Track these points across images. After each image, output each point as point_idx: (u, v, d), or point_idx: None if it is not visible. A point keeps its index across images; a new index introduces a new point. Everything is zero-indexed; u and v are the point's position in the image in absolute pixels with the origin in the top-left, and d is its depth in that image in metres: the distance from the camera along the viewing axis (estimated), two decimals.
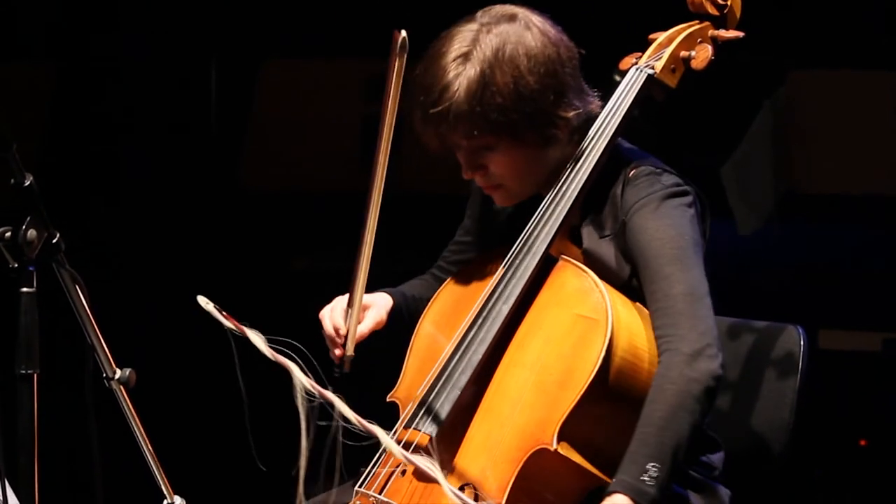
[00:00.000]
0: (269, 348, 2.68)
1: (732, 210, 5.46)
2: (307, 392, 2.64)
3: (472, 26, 2.88)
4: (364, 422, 2.64)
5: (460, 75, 2.83)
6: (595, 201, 2.94)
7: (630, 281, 2.89)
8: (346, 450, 2.70)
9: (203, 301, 2.75)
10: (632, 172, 2.93)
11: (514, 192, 2.98)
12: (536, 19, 2.91)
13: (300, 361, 2.67)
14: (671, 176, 2.92)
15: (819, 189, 5.49)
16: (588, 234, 2.93)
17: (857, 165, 5.44)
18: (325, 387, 2.67)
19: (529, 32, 2.87)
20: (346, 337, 2.98)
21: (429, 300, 3.12)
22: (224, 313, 2.73)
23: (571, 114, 2.90)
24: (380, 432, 2.62)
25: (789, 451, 3.18)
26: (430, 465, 2.61)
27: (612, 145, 2.94)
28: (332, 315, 3.03)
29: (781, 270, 5.44)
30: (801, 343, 3.22)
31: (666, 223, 2.84)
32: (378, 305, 3.08)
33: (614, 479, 2.67)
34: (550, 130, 2.89)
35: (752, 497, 3.16)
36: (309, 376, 2.66)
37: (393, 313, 3.10)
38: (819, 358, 3.63)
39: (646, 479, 2.64)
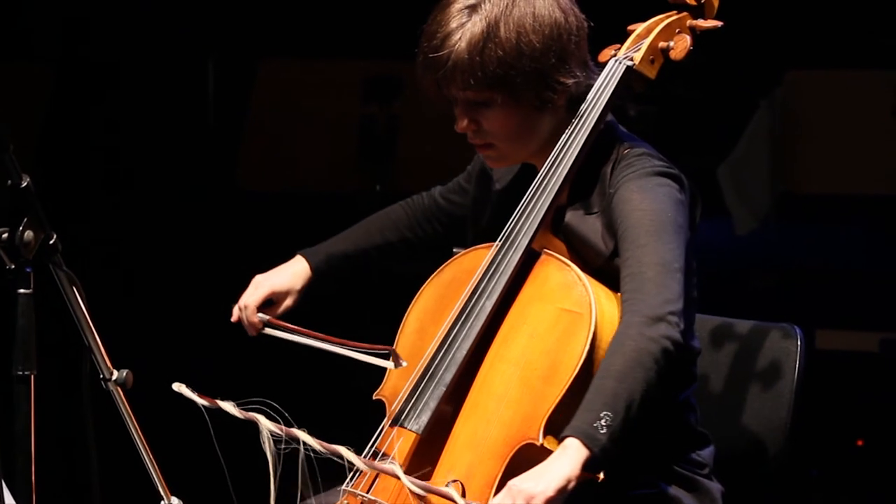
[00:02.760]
0: (239, 411, 2.74)
1: (729, 210, 5.46)
2: (274, 435, 2.71)
3: None
4: (334, 447, 2.69)
5: (465, 25, 2.88)
6: (585, 181, 2.95)
7: (612, 258, 2.89)
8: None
9: (177, 386, 2.80)
10: (625, 151, 2.94)
11: (503, 154, 2.99)
12: None
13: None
14: (664, 161, 2.94)
15: (816, 189, 5.49)
16: (573, 211, 2.94)
17: (854, 165, 5.44)
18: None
19: None
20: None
21: (391, 242, 3.24)
22: (197, 393, 2.79)
23: (571, 81, 2.92)
24: (350, 455, 2.66)
25: (786, 451, 3.18)
26: (404, 476, 2.65)
27: (592, 138, 2.94)
28: (247, 314, 3.16)
29: (778, 270, 5.45)
30: (798, 343, 3.22)
31: (650, 197, 2.85)
32: (286, 293, 3.20)
33: (568, 426, 2.67)
34: (547, 94, 2.90)
35: (749, 497, 3.16)
36: (278, 421, 2.73)
37: (310, 284, 3.20)
38: (816, 358, 3.63)
39: (598, 426, 2.64)
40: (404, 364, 2.87)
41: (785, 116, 5.48)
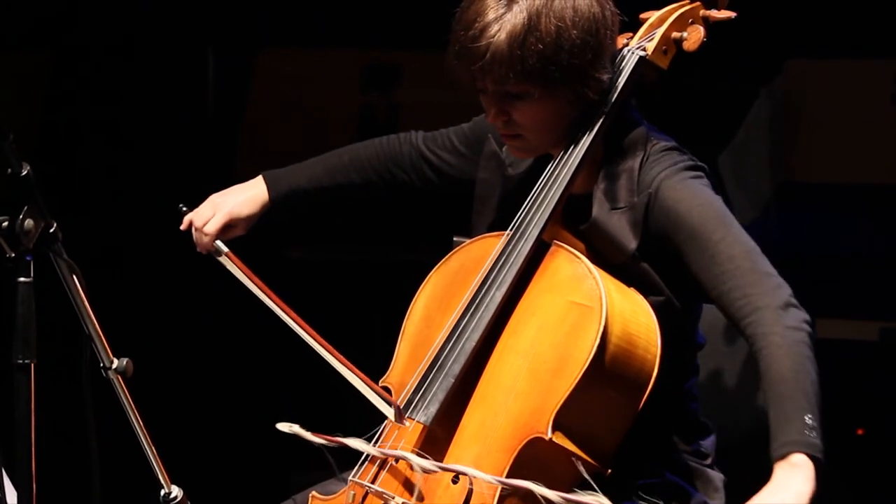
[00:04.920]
0: (377, 450, 2.74)
1: (729, 199, 5.46)
2: (427, 470, 2.71)
3: None
4: (514, 481, 2.66)
5: (504, 16, 2.82)
6: (610, 173, 2.93)
7: (634, 257, 2.87)
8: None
9: (286, 427, 2.76)
10: (653, 147, 2.92)
11: (531, 145, 2.95)
12: None
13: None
14: (689, 155, 2.93)
15: (816, 178, 5.49)
16: (599, 205, 2.91)
17: (855, 154, 5.44)
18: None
19: None
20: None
21: (355, 183, 3.21)
22: (313, 433, 2.75)
23: (605, 77, 2.89)
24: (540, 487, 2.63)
25: None
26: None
27: (603, 129, 2.92)
28: (206, 240, 3.12)
29: (778, 259, 5.44)
30: None
31: (698, 191, 2.85)
32: (244, 220, 3.16)
33: (778, 443, 2.63)
34: (582, 89, 2.87)
35: (750, 485, 3.16)
36: (426, 457, 2.72)
37: (265, 212, 3.17)
38: (816, 347, 3.62)
39: (808, 432, 2.62)
40: (406, 424, 2.82)
41: (785, 105, 5.48)
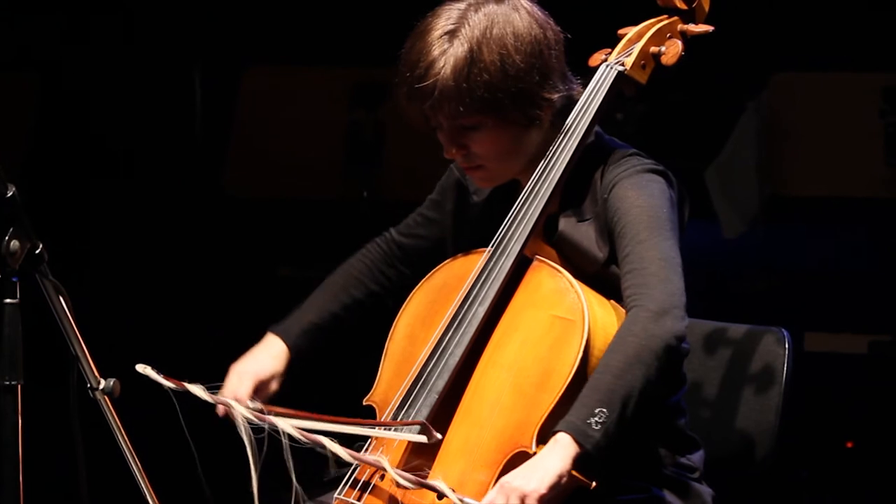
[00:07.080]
0: (210, 396, 2.73)
1: (717, 213, 5.47)
2: (252, 424, 2.68)
3: (460, 5, 2.89)
4: (315, 437, 2.68)
5: (447, 52, 2.84)
6: (575, 189, 2.94)
7: (607, 264, 2.89)
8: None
9: (141, 368, 2.75)
10: (612, 156, 2.94)
11: (494, 174, 2.97)
12: (524, 2, 2.92)
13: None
14: (652, 160, 2.94)
15: (803, 192, 5.50)
16: (566, 220, 2.93)
17: (841, 168, 5.45)
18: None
19: (517, 13, 2.88)
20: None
21: (358, 299, 3.16)
22: (163, 375, 2.74)
23: (556, 96, 2.91)
24: (334, 447, 2.65)
25: (775, 454, 3.18)
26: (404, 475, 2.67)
27: (583, 143, 2.94)
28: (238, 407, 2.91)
29: (766, 273, 5.45)
30: (787, 346, 3.22)
31: (646, 193, 2.85)
32: (270, 378, 3.07)
33: (562, 420, 2.67)
34: (534, 111, 2.89)
35: (739, 499, 3.16)
36: (249, 407, 2.72)
37: (290, 363, 3.10)
38: (805, 360, 3.64)
39: (592, 422, 2.64)
40: (439, 437, 2.78)
41: (772, 119, 5.49)
